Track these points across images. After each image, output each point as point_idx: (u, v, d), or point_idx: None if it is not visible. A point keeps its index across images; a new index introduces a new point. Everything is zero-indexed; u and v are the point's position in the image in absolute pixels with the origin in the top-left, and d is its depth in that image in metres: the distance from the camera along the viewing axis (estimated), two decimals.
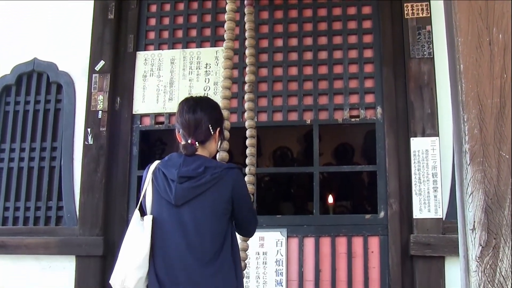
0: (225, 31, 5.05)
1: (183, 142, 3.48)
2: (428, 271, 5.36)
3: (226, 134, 4.48)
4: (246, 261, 4.75)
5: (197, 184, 3.34)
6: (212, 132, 3.54)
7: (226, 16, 5.05)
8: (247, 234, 3.81)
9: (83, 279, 5.83)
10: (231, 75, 4.95)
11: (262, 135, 4.97)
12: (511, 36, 2.59)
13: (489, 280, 2.49)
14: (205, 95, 5.86)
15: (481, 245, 2.51)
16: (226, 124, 4.45)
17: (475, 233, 2.52)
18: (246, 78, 5.28)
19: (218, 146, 3.84)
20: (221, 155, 4.41)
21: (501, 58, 2.58)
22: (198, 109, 3.51)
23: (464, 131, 2.59)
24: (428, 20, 5.77)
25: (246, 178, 4.76)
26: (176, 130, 3.59)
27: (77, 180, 6.07)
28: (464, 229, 2.61)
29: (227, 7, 5.06)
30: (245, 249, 4.70)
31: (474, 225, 2.53)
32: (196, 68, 6.21)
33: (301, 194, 9.21)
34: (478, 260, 2.51)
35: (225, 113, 4.45)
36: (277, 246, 5.61)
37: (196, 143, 3.45)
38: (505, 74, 2.56)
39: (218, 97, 5.00)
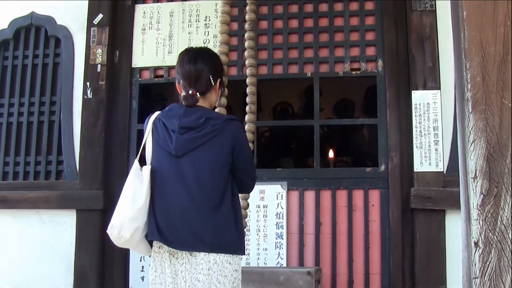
0: None
1: (183, 93, 3.46)
2: (428, 225, 5.38)
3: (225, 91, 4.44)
4: (246, 219, 4.76)
5: (197, 135, 3.32)
6: (213, 83, 3.51)
7: None
8: (247, 189, 3.77)
9: (84, 232, 5.86)
10: (228, 40, 4.90)
11: (262, 90, 4.93)
12: None
13: (490, 228, 2.49)
14: None
15: (482, 193, 2.50)
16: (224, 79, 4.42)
17: (477, 182, 2.51)
18: (246, 35, 5.20)
19: (219, 97, 3.81)
20: (219, 111, 4.37)
21: (505, 5, 2.54)
22: (199, 59, 3.48)
23: (467, 79, 2.56)
24: None
25: (246, 127, 4.75)
26: (177, 81, 3.56)
27: (76, 135, 6.06)
28: (465, 178, 2.60)
29: None
30: (245, 208, 4.70)
31: (475, 174, 2.52)
32: (196, 21, 6.16)
33: (301, 150, 9.20)
34: (479, 209, 2.51)
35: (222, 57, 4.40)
36: (277, 199, 5.62)
37: (197, 94, 3.42)
38: (509, 22, 2.53)
39: (217, 50, 4.96)
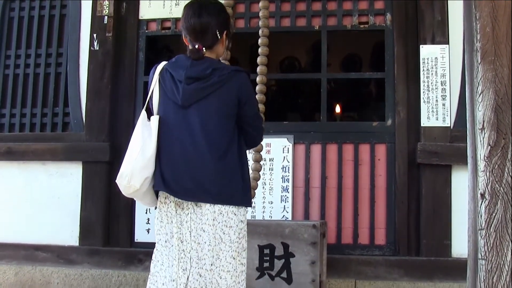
0: None
1: (190, 47, 3.43)
2: (434, 180, 5.38)
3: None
4: (260, 172, 4.76)
5: (204, 85, 3.30)
6: (219, 36, 3.48)
7: None
8: (254, 141, 3.74)
9: (90, 184, 5.88)
10: None
11: (270, 43, 4.89)
12: None
13: (496, 180, 2.49)
14: None
15: (490, 145, 2.50)
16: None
17: (484, 133, 2.51)
18: None
19: (226, 48, 3.78)
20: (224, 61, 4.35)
21: None
22: (204, 13, 3.43)
23: (476, 29, 2.54)
24: None
25: (257, 88, 4.72)
26: (183, 34, 3.53)
27: (83, 86, 6.06)
28: (473, 129, 2.60)
29: None
30: (258, 160, 4.70)
31: (483, 125, 2.51)
32: None
33: (308, 105, 9.18)
34: (487, 160, 2.51)
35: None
36: (283, 152, 5.62)
37: (203, 48, 3.40)
38: None
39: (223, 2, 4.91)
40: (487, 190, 2.50)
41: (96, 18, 6.05)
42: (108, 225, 5.93)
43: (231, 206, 3.24)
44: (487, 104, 2.50)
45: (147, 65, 6.04)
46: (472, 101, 2.58)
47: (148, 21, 6.18)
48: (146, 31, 6.17)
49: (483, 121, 2.50)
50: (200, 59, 3.37)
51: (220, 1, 4.14)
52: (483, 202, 2.51)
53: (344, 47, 9.26)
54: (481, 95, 2.51)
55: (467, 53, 2.67)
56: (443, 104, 5.39)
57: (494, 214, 2.49)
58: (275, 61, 9.66)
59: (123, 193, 3.31)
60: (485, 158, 2.50)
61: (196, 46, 3.37)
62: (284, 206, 5.59)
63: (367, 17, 5.80)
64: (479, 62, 2.53)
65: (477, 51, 2.53)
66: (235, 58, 4.64)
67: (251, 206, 3.56)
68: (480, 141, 2.52)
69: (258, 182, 4.69)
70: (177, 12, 5.98)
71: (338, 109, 9.23)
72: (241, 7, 5.88)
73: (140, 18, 6.16)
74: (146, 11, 6.16)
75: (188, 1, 3.51)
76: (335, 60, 9.28)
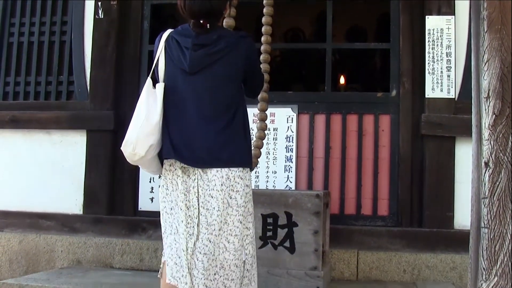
0: None
1: (193, 21, 3.40)
2: (438, 151, 5.39)
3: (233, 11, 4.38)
4: (264, 140, 4.76)
5: (211, 51, 3.31)
6: (223, 12, 3.50)
7: None
8: (254, 94, 3.83)
9: (94, 153, 5.91)
10: None
11: (274, 14, 4.84)
12: None
13: (501, 148, 2.50)
14: None
15: (494, 113, 2.50)
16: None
17: (489, 102, 2.51)
18: None
19: (228, 15, 3.81)
20: (228, 22, 4.34)
21: None
22: None
23: None
24: None
25: (261, 57, 4.71)
26: (180, 8, 3.49)
27: (87, 55, 6.05)
28: (478, 98, 2.60)
29: None
30: (264, 128, 4.68)
31: (488, 94, 2.51)
32: None
33: (312, 76, 9.17)
34: (491, 129, 2.51)
35: None
36: (287, 122, 5.63)
37: (208, 24, 3.39)
38: None
39: None
40: (491, 159, 2.51)
41: None
42: (112, 194, 5.96)
43: (237, 171, 3.27)
44: (492, 73, 2.50)
45: (152, 34, 6.01)
46: (478, 70, 2.58)
47: None
48: None
49: (489, 90, 2.51)
50: (206, 33, 3.37)
51: None
52: (487, 171, 2.52)
53: (349, 18, 9.21)
54: (487, 64, 2.51)
55: (473, 22, 2.66)
56: (448, 76, 5.39)
57: (497, 183, 2.50)
58: (279, 32, 9.63)
59: (128, 160, 3.33)
60: (490, 126, 2.51)
61: (201, 21, 3.36)
62: (288, 176, 5.61)
63: None
64: (485, 30, 2.52)
65: (484, 20, 2.53)
66: (239, 27, 4.60)
67: (252, 170, 3.59)
68: (485, 109, 2.52)
69: (261, 151, 4.70)
70: None
71: (342, 80, 9.22)
72: None
73: None
74: None
75: None
76: (340, 31, 9.23)
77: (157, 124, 3.25)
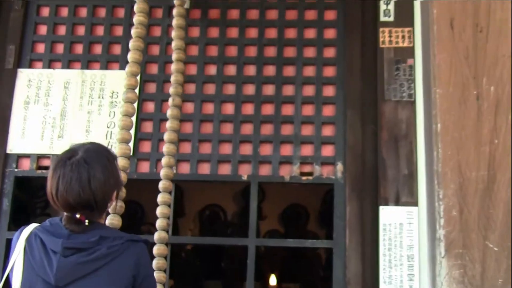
0: (132, 40, 5.04)
1: (66, 214, 3.38)
2: None
3: (121, 194, 4.34)
4: None
5: (88, 258, 3.25)
6: (108, 203, 3.50)
7: (135, 19, 5.07)
8: None
9: None
10: (133, 111, 4.92)
11: (187, 189, 4.85)
12: (509, 90, 2.60)
13: None
14: (108, 133, 5.82)
15: None
16: (123, 176, 4.36)
17: None
18: (168, 113, 5.23)
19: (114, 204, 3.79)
20: (112, 221, 4.33)
21: (491, 117, 2.59)
22: (86, 181, 3.32)
23: (439, 211, 2.59)
24: (410, 52, 5.66)
25: (155, 249, 4.70)
26: (49, 196, 3.47)
27: None
28: None
29: (136, 7, 5.08)
30: None
31: None
32: (99, 97, 6.11)
33: (234, 270, 9.16)
34: None
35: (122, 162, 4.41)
36: None
37: (86, 220, 3.36)
38: (496, 139, 2.57)
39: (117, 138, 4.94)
40: None
41: None
42: None
43: None
44: None
45: (14, 216, 5.95)
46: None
47: (20, 156, 6.08)
48: (16, 169, 6.05)
49: None
50: (82, 232, 3.35)
51: None
52: None
53: (284, 196, 9.33)
54: None
55: (428, 242, 2.72)
56: (411, 287, 5.41)
57: None
58: (192, 211, 9.70)
59: None
60: None
61: (78, 216, 3.34)
62: None
63: (312, 166, 5.84)
64: (442, 255, 2.57)
65: (440, 241, 2.58)
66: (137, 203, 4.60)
67: None
68: None
69: None
70: (60, 146, 5.87)
71: (273, 280, 9.24)
72: (147, 145, 5.90)
73: (7, 152, 6.07)
74: (17, 143, 6.08)
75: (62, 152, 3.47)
76: (273, 211, 9.33)
77: None
